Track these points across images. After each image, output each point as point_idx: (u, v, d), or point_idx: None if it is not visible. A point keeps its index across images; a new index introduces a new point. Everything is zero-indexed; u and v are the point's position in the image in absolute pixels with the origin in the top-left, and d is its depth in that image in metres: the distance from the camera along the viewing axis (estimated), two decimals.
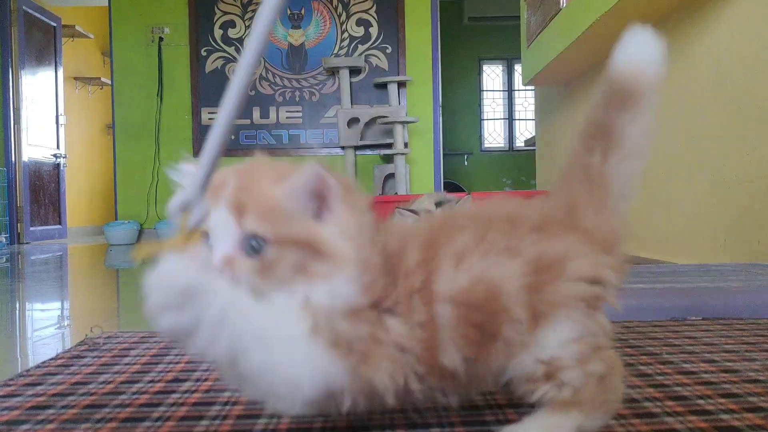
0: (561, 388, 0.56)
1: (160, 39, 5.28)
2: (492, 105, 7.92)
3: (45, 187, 5.47)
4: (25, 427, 0.68)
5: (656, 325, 1.14)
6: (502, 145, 7.83)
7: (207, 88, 5.27)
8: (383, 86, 5.17)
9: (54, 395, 0.78)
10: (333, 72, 5.21)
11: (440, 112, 5.40)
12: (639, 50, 0.60)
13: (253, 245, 0.50)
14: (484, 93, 7.89)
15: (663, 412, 0.69)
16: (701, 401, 0.72)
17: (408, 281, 0.54)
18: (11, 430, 0.68)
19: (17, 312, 1.72)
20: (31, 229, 5.20)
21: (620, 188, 0.62)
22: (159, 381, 0.83)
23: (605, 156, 0.61)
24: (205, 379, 0.83)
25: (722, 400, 0.72)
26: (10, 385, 0.84)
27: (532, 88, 4.08)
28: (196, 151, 5.32)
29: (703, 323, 1.16)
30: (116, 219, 5.26)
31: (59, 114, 5.74)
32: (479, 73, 7.84)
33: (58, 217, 5.65)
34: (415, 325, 0.53)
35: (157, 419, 0.68)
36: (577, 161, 0.62)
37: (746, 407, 0.70)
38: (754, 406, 0.70)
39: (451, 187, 5.74)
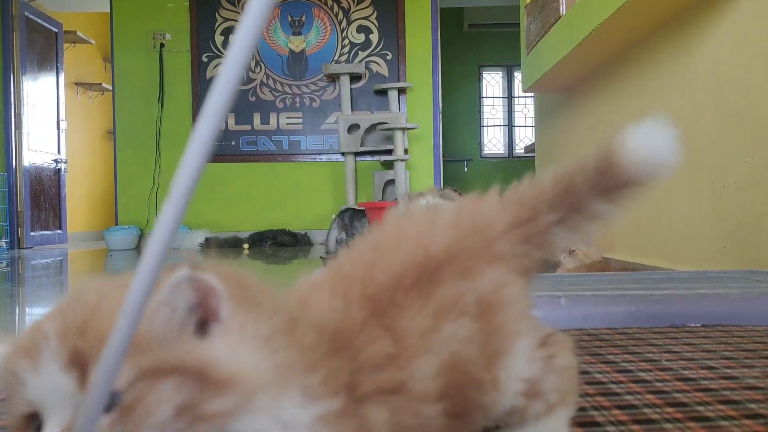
0: (547, 397, 0.56)
1: (162, 45, 5.29)
2: (492, 112, 7.94)
3: (46, 192, 5.47)
4: None
5: (655, 332, 1.14)
6: (502, 151, 7.84)
7: (208, 95, 5.28)
8: (383, 93, 5.18)
9: None
10: (333, 78, 5.23)
11: (440, 118, 5.41)
12: (662, 143, 0.54)
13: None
14: (484, 100, 7.91)
15: (662, 419, 0.69)
16: (701, 408, 0.72)
17: (379, 375, 0.44)
18: None
19: (17, 317, 1.72)
20: (32, 233, 5.20)
21: (553, 243, 0.59)
22: None
23: (560, 224, 0.58)
24: None
25: (722, 407, 0.72)
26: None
27: (532, 95, 4.09)
28: None
29: (702, 330, 1.16)
30: (117, 224, 5.26)
31: (60, 119, 5.75)
32: (479, 79, 7.86)
33: (59, 222, 5.66)
34: (400, 427, 0.45)
35: None
36: (528, 202, 0.58)
37: (745, 414, 0.70)
38: (754, 413, 0.70)
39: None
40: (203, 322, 0.37)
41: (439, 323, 0.49)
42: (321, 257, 3.12)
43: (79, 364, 0.35)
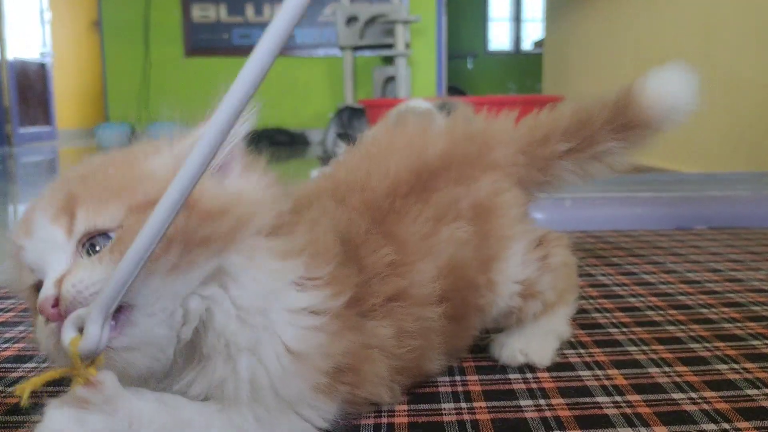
0: (544, 296, 0.57)
1: None
2: (499, 4, 7.60)
3: (33, 87, 5.32)
4: (20, 328, 0.69)
5: (661, 234, 1.13)
6: (509, 47, 7.58)
7: None
8: None
9: None
10: None
11: (444, 10, 5.18)
12: (681, 90, 0.58)
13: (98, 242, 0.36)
14: None
15: (665, 321, 0.68)
16: (704, 310, 0.72)
17: (385, 286, 0.45)
18: (7, 331, 0.68)
19: (10, 215, 1.70)
20: (21, 131, 5.11)
21: (555, 175, 0.62)
22: None
23: (569, 155, 0.60)
24: None
25: (725, 309, 0.72)
26: (4, 288, 0.84)
27: None
28: (187, 51, 5.15)
29: (709, 232, 1.15)
30: (107, 121, 5.18)
31: (43, 10, 5.50)
32: None
33: (48, 118, 5.54)
34: (402, 333, 0.45)
35: None
36: (543, 126, 0.60)
37: (749, 316, 0.70)
38: (757, 315, 0.70)
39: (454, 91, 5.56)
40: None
41: (436, 227, 0.51)
42: (319, 157, 3.08)
43: (69, 210, 0.35)
